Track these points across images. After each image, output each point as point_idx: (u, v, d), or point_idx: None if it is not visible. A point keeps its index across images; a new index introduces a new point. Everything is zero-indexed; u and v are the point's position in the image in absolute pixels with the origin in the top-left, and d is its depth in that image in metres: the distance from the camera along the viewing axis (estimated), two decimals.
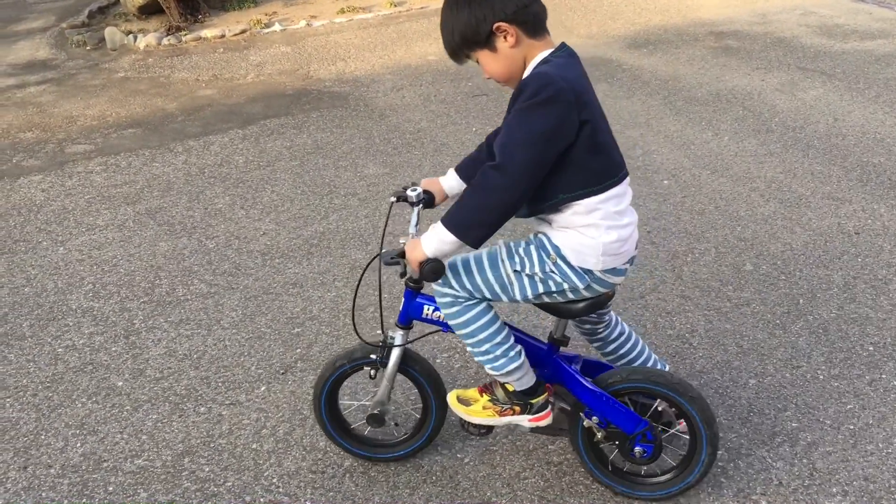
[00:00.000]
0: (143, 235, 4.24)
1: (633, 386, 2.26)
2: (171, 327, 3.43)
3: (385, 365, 2.40)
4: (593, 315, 2.40)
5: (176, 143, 5.48)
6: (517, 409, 2.31)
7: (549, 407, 2.31)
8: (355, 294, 2.43)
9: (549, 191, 2.02)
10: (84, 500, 2.58)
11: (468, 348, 2.24)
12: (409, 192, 2.31)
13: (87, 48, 8.06)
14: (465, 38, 2.04)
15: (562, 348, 2.34)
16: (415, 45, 7.37)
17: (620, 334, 2.47)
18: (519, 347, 2.23)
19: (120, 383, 3.10)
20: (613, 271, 2.13)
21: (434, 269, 2.03)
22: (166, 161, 5.20)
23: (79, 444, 2.81)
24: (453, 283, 2.17)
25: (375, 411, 2.48)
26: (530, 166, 1.93)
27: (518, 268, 2.13)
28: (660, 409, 2.28)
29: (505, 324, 2.26)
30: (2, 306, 3.67)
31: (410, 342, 2.40)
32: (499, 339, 2.20)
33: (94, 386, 3.08)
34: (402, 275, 2.25)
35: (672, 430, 2.33)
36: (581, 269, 2.10)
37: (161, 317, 3.51)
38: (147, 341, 3.34)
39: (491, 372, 2.24)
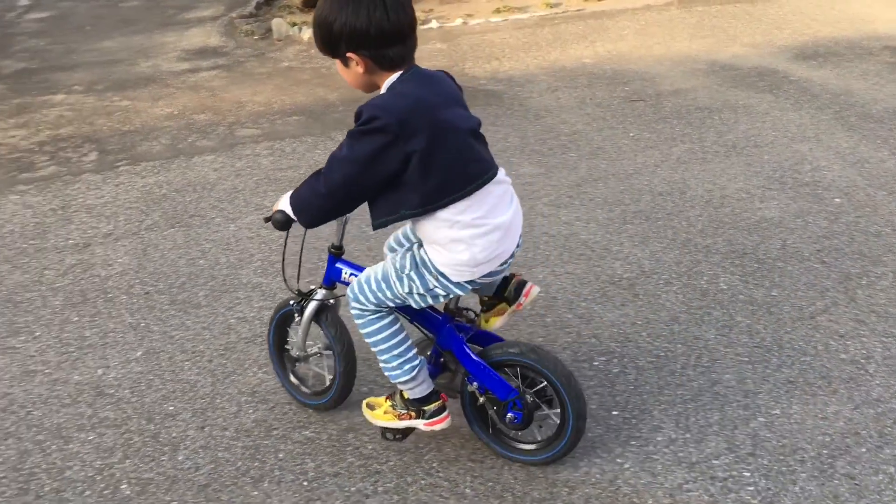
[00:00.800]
0: None
1: (508, 359, 2.51)
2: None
3: (301, 314, 2.72)
4: None
5: (337, 132, 5.67)
6: (413, 414, 2.54)
7: (445, 413, 2.54)
8: (284, 249, 2.80)
9: (390, 207, 2.19)
10: (256, 464, 2.72)
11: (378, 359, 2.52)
12: None
13: (255, 37, 8.46)
14: (325, 43, 2.20)
15: (456, 319, 2.61)
16: (570, 47, 7.34)
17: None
18: (417, 362, 2.47)
19: None
20: (491, 273, 2.33)
21: (278, 220, 2.37)
22: (328, 149, 5.38)
23: (251, 411, 2.96)
24: (360, 297, 2.43)
25: (293, 354, 2.87)
26: (347, 184, 2.14)
27: (406, 290, 2.35)
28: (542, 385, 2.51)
29: (407, 312, 2.54)
30: (180, 276, 3.92)
31: (327, 300, 2.70)
32: (397, 351, 2.45)
33: (263, 357, 3.23)
34: (266, 219, 2.47)
35: (546, 410, 2.55)
36: (462, 281, 2.30)
37: None
38: None
39: (389, 378, 2.51)
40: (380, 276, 2.41)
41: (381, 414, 2.61)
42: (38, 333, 3.50)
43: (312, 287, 2.75)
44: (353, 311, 2.46)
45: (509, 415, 2.51)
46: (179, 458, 2.76)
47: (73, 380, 3.19)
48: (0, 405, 3.06)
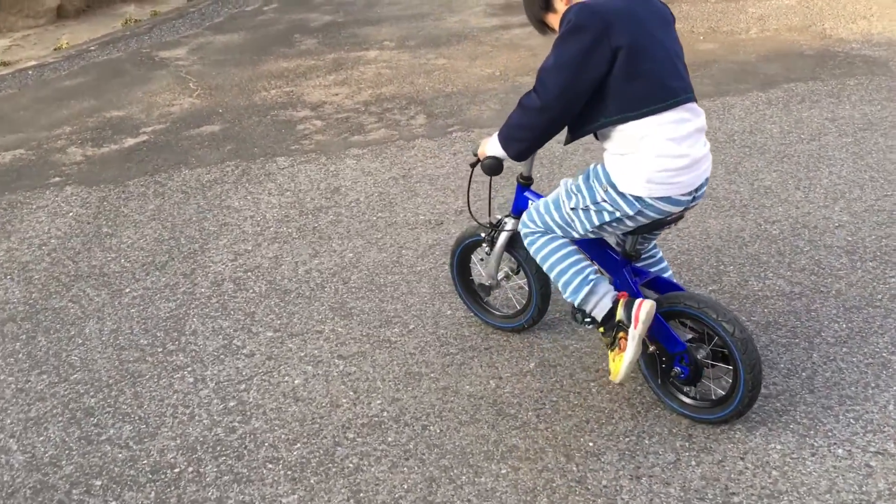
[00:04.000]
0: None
1: (682, 310, 2.35)
2: (759, 330, 2.89)
3: (493, 244, 2.75)
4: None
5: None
6: (622, 333, 2.34)
7: (638, 300, 2.29)
8: (469, 182, 2.87)
9: (591, 115, 2.15)
10: None
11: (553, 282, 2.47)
12: None
13: None
14: (533, 11, 2.32)
15: (634, 262, 2.50)
16: None
17: (654, 246, 2.63)
18: (594, 276, 2.38)
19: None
20: (668, 200, 2.19)
21: (490, 165, 2.44)
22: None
23: (693, 463, 2.38)
24: (528, 222, 2.47)
25: (485, 283, 2.90)
26: (563, 89, 2.10)
27: (573, 205, 2.32)
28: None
29: (585, 244, 2.49)
30: None
31: (517, 229, 2.61)
32: (574, 269, 2.39)
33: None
34: (473, 165, 2.60)
35: (717, 364, 2.38)
36: (631, 195, 2.19)
37: (744, 314, 2.98)
38: None
39: (570, 300, 2.43)
40: (551, 199, 2.43)
41: (614, 364, 2.42)
42: (412, 327, 3.13)
43: (499, 217, 2.76)
44: (524, 237, 2.50)
45: (676, 368, 2.41)
46: None
47: (465, 390, 2.77)
48: (392, 413, 2.69)
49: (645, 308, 2.28)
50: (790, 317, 2.95)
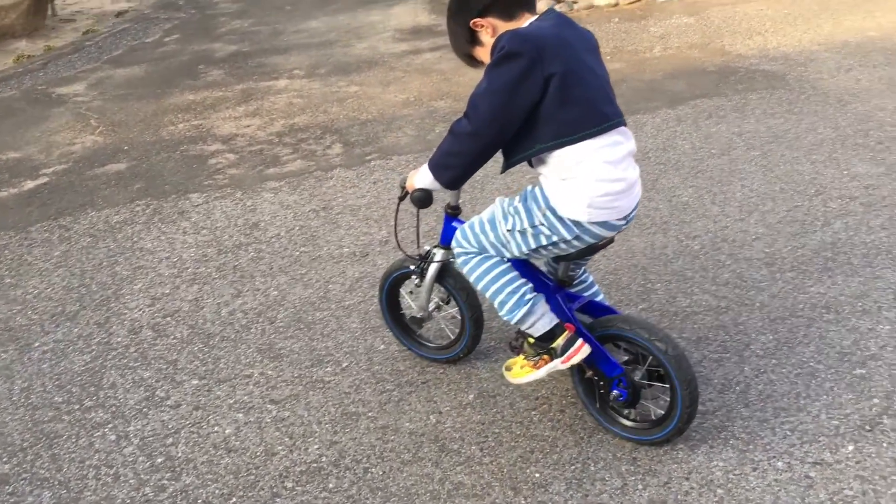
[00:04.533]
0: None
1: (616, 333, 2.39)
2: (691, 347, 2.93)
3: (424, 276, 2.71)
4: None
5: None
6: (546, 357, 2.40)
7: (578, 341, 2.35)
8: (395, 214, 2.78)
9: (526, 142, 2.16)
10: None
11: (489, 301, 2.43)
12: None
13: None
14: (460, 46, 2.32)
15: (567, 288, 2.52)
16: (844, 18, 6.38)
17: (585, 271, 2.65)
18: (531, 295, 2.37)
19: None
20: (605, 225, 2.22)
21: (419, 197, 2.38)
22: None
23: (640, 487, 2.37)
24: (463, 242, 2.44)
25: (416, 315, 2.83)
26: (495, 115, 2.10)
27: (510, 227, 2.31)
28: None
29: (519, 270, 2.43)
30: None
31: (447, 259, 2.67)
32: (510, 288, 2.37)
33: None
34: (401, 198, 2.57)
35: (653, 384, 2.40)
36: (570, 220, 2.21)
37: (675, 331, 3.02)
38: None
39: (507, 320, 2.40)
40: (486, 218, 2.41)
41: (518, 371, 2.51)
42: (345, 364, 3.05)
43: (428, 248, 2.72)
44: (458, 258, 2.46)
45: (615, 392, 2.42)
46: None
47: (405, 428, 2.70)
48: (331, 457, 2.60)
49: (582, 353, 2.35)
50: (719, 331, 3.00)
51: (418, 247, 2.82)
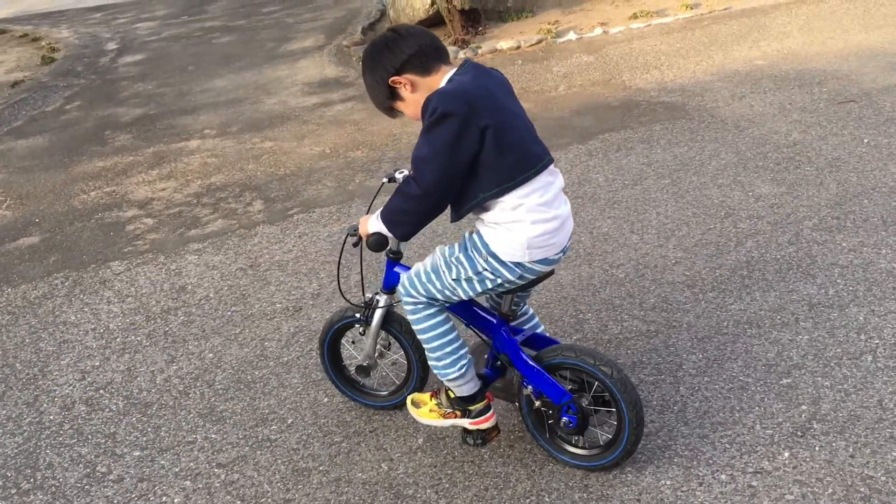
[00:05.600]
0: None
1: (563, 362, 2.47)
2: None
3: (369, 323, 2.75)
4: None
5: None
6: (458, 413, 2.58)
7: (490, 412, 2.57)
8: (339, 262, 2.91)
9: (469, 193, 2.24)
10: None
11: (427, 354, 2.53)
12: (397, 174, 2.65)
13: None
14: (380, 101, 2.38)
15: (510, 322, 2.60)
16: (732, 49, 6.77)
17: (525, 304, 2.77)
18: (466, 360, 2.50)
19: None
20: (544, 261, 2.34)
21: (376, 241, 2.41)
22: None
23: None
24: (411, 291, 2.48)
25: (363, 363, 2.83)
26: (440, 176, 2.18)
27: (455, 276, 2.39)
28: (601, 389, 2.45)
29: (463, 312, 2.59)
30: None
31: (392, 305, 2.74)
32: (449, 348, 2.48)
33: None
34: (355, 244, 2.59)
35: (599, 409, 2.50)
36: (511, 262, 2.30)
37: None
38: None
39: (437, 375, 2.53)
40: (429, 268, 2.46)
41: (426, 412, 2.64)
42: (290, 421, 3.03)
43: (371, 295, 2.75)
44: (405, 306, 2.51)
45: (564, 419, 2.49)
46: None
47: (358, 478, 2.70)
48: None
49: (489, 424, 2.58)
50: (652, 354, 3.12)
51: (363, 294, 2.83)
